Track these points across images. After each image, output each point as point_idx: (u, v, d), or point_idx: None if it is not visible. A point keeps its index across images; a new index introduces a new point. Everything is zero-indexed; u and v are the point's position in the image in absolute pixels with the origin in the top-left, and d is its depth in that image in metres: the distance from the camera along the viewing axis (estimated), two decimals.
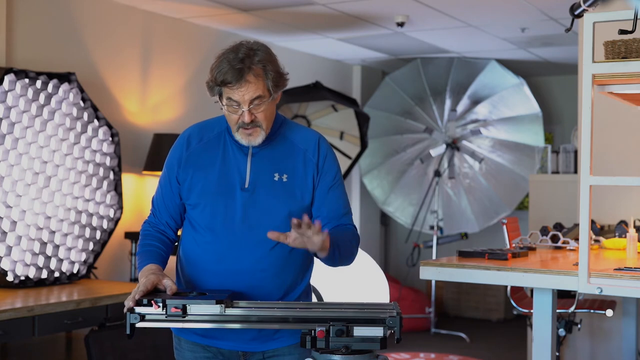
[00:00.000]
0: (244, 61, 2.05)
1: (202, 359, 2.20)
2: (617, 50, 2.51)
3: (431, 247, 6.99)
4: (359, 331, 1.89)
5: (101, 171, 4.45)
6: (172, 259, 2.32)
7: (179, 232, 2.30)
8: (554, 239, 3.69)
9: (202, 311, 1.93)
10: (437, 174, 6.93)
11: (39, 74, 4.12)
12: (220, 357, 2.20)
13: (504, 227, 3.94)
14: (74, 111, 4.30)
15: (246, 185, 2.15)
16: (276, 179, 2.16)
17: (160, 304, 1.92)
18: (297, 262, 2.20)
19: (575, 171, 5.38)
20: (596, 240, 3.73)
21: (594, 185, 2.43)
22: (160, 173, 5.36)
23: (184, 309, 1.92)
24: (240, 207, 2.14)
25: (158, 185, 2.28)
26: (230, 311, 1.94)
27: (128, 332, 1.95)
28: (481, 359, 5.85)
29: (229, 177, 2.16)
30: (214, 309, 1.92)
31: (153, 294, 1.99)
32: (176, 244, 2.30)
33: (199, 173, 2.18)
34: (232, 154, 2.18)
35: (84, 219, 4.33)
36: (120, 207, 4.55)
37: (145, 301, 1.93)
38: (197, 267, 2.18)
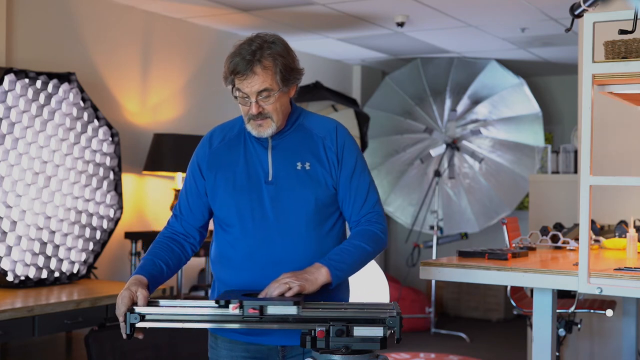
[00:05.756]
0: (255, 53, 2.08)
1: (239, 358, 2.20)
2: (617, 50, 2.51)
3: (431, 247, 6.99)
4: (359, 331, 1.88)
5: (101, 171, 4.45)
6: (195, 261, 2.32)
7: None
8: (554, 239, 3.68)
9: (280, 312, 1.91)
10: (437, 174, 6.93)
11: (39, 74, 4.12)
12: (258, 355, 2.19)
13: (504, 227, 3.94)
14: (74, 111, 4.30)
15: (270, 178, 2.16)
16: (299, 167, 2.17)
17: (237, 304, 1.91)
18: (329, 249, 2.19)
19: (575, 171, 5.38)
20: (596, 240, 3.72)
21: (594, 185, 2.43)
22: (160, 173, 5.40)
23: (261, 310, 1.91)
24: (268, 200, 2.15)
25: (181, 190, 2.30)
26: (229, 311, 1.94)
27: (128, 332, 1.95)
28: (481, 359, 5.85)
29: (252, 173, 2.18)
30: (291, 309, 1.91)
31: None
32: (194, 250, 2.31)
33: (223, 172, 2.20)
34: (253, 150, 2.20)
35: (84, 219, 4.33)
36: (120, 207, 4.55)
37: (222, 302, 1.92)
38: (230, 265, 2.19)
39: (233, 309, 1.91)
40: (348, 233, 2.28)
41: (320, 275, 2.06)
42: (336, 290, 2.18)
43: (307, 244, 2.15)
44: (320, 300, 2.06)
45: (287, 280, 2.02)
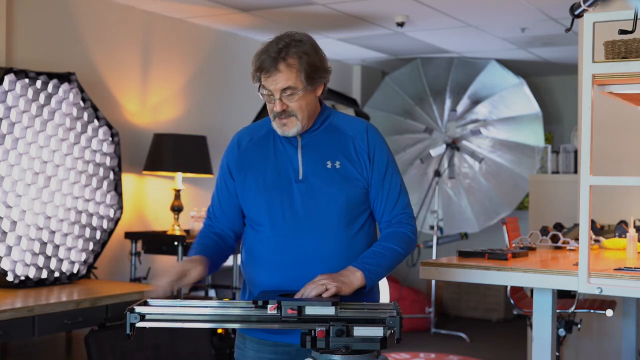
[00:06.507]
0: (281, 51, 2.10)
1: (266, 359, 2.20)
2: (617, 50, 2.51)
3: (431, 247, 6.99)
4: (359, 331, 1.89)
5: (101, 171, 4.45)
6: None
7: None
8: (554, 239, 3.68)
9: (318, 312, 1.91)
10: (437, 174, 6.93)
11: (39, 74, 4.12)
12: (286, 357, 2.19)
13: (504, 227, 3.94)
14: (74, 111, 4.30)
15: (300, 177, 2.17)
16: (329, 166, 2.18)
17: (275, 305, 1.90)
18: (360, 249, 2.19)
19: (575, 171, 5.38)
20: (596, 240, 3.72)
21: (594, 185, 2.43)
22: (160, 173, 5.40)
23: (299, 310, 1.90)
24: (298, 198, 2.16)
25: (213, 194, 2.32)
26: (229, 311, 1.94)
27: (128, 331, 1.94)
28: (481, 359, 5.85)
29: (282, 172, 2.19)
30: (329, 310, 1.91)
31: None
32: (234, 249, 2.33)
33: (253, 172, 2.21)
34: (283, 149, 2.21)
35: (84, 219, 4.33)
36: (120, 207, 4.55)
37: (260, 302, 1.92)
38: (260, 263, 2.20)
39: (271, 310, 1.90)
40: (377, 232, 2.29)
41: (355, 279, 2.07)
42: (369, 292, 2.18)
43: (337, 242, 2.16)
44: (355, 302, 2.06)
45: (323, 281, 2.02)
